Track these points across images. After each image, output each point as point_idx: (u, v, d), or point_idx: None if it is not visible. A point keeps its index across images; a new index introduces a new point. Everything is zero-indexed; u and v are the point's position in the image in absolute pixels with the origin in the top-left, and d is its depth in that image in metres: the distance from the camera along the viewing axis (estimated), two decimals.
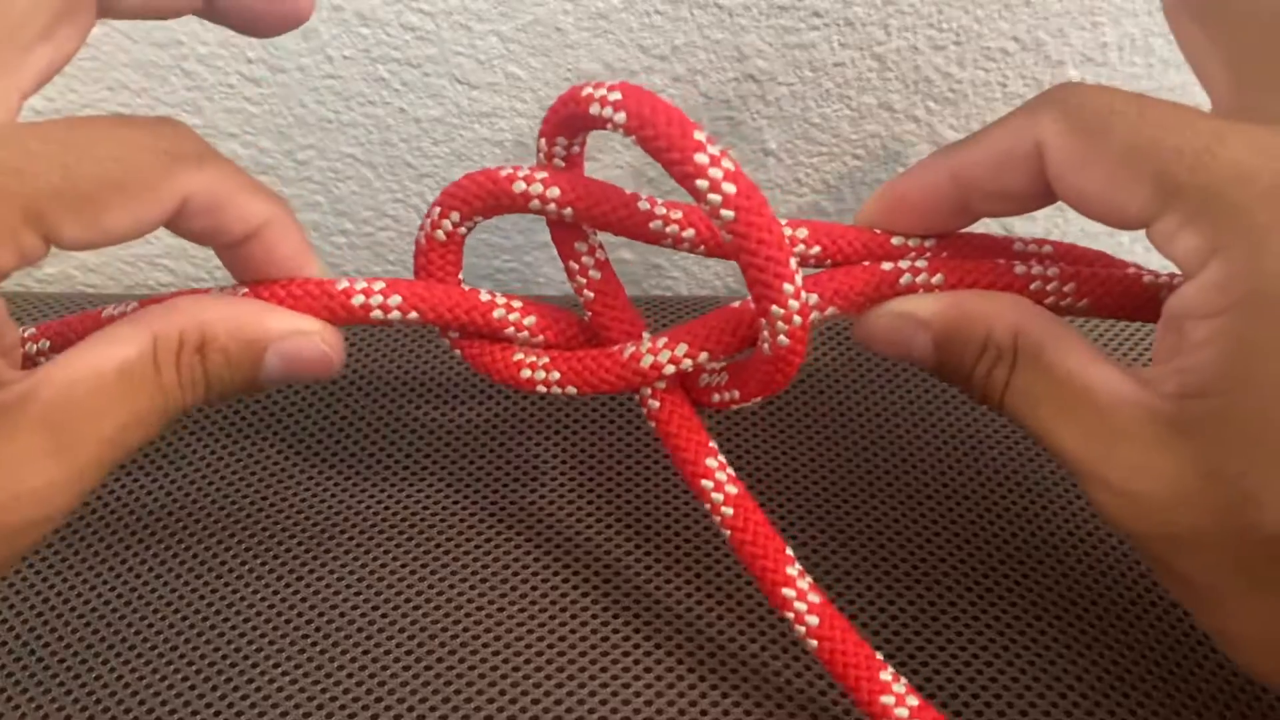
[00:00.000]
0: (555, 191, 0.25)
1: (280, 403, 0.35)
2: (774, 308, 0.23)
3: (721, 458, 0.26)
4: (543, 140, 0.26)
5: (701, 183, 0.22)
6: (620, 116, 0.23)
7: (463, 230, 0.26)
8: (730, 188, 0.22)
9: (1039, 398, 0.23)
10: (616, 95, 0.23)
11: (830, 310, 0.25)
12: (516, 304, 0.27)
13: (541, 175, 0.25)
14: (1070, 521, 0.31)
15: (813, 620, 0.25)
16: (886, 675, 0.25)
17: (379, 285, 0.26)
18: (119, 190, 0.22)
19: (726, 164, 0.22)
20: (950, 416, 0.34)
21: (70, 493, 0.22)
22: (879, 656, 0.25)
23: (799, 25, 0.38)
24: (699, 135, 0.22)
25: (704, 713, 0.26)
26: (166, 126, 0.24)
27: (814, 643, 0.25)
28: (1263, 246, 0.20)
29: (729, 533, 0.26)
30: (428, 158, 0.42)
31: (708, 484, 0.26)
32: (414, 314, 0.26)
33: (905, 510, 0.31)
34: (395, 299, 0.26)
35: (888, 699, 0.24)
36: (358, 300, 0.26)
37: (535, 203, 0.25)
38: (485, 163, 0.42)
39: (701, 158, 0.22)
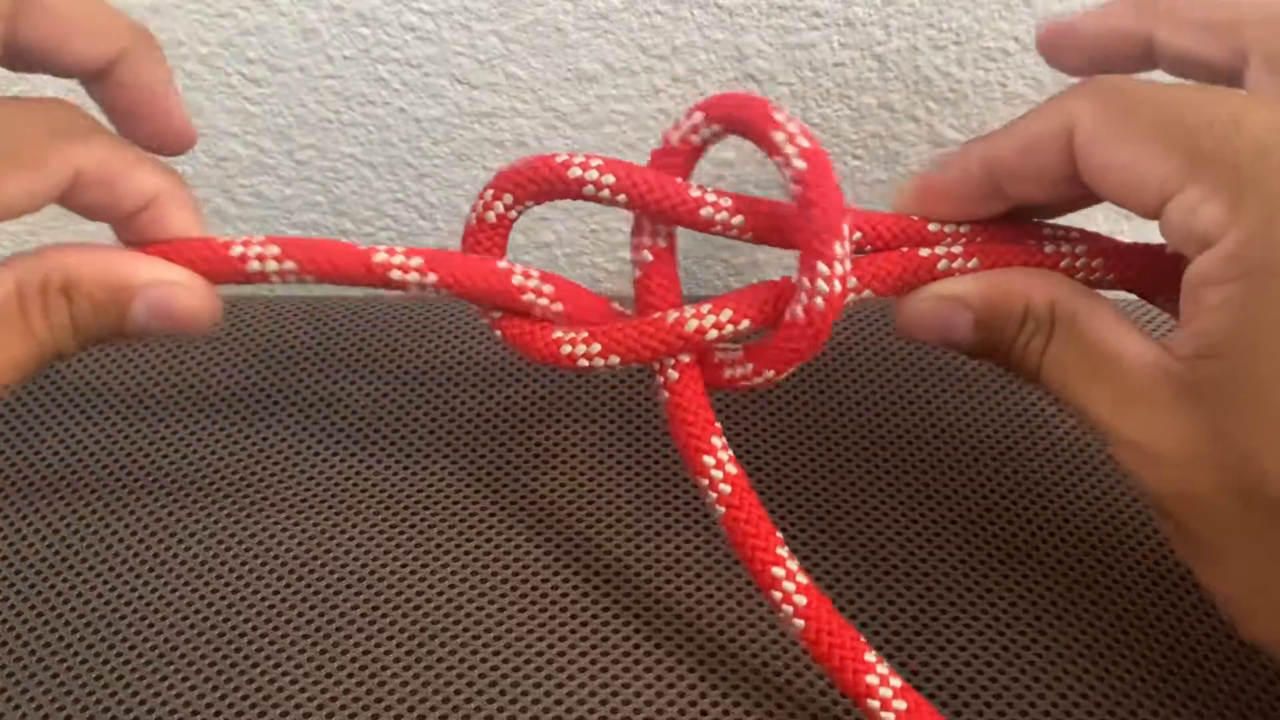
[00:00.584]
0: (610, 179, 0.26)
1: (282, 389, 0.35)
2: (820, 264, 0.24)
3: (724, 439, 0.27)
4: (490, 193, 0.26)
5: (778, 135, 0.24)
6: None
7: (513, 214, 0.27)
8: (804, 142, 0.24)
9: (1071, 364, 0.24)
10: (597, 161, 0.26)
11: (866, 292, 0.26)
12: (547, 287, 0.27)
13: (596, 163, 0.26)
14: (1070, 521, 0.31)
15: (800, 600, 0.25)
16: (871, 657, 0.25)
17: (399, 251, 0.26)
18: (8, 161, 0.23)
19: (798, 126, 0.24)
20: (950, 416, 0.34)
21: None
22: (863, 639, 0.25)
23: (799, 25, 0.38)
24: (772, 108, 0.25)
25: (704, 713, 0.26)
26: (56, 105, 0.25)
27: (801, 623, 0.25)
28: (1275, 217, 0.21)
29: (723, 510, 0.26)
30: (428, 158, 0.42)
31: (709, 460, 0.26)
32: (432, 276, 0.26)
33: (906, 510, 0.31)
34: (416, 260, 0.26)
35: (872, 679, 0.24)
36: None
37: (590, 188, 0.26)
38: (485, 163, 0.42)
39: (779, 116, 0.24)
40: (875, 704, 0.24)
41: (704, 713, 0.26)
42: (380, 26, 0.38)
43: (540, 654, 0.28)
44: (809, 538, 0.31)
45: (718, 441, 0.26)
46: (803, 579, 0.25)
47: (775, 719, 0.26)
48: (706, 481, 0.26)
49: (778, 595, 0.25)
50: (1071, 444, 0.33)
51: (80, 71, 0.26)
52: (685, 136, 0.26)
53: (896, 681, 0.25)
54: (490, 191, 0.26)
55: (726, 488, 0.26)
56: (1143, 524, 0.31)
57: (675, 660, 0.28)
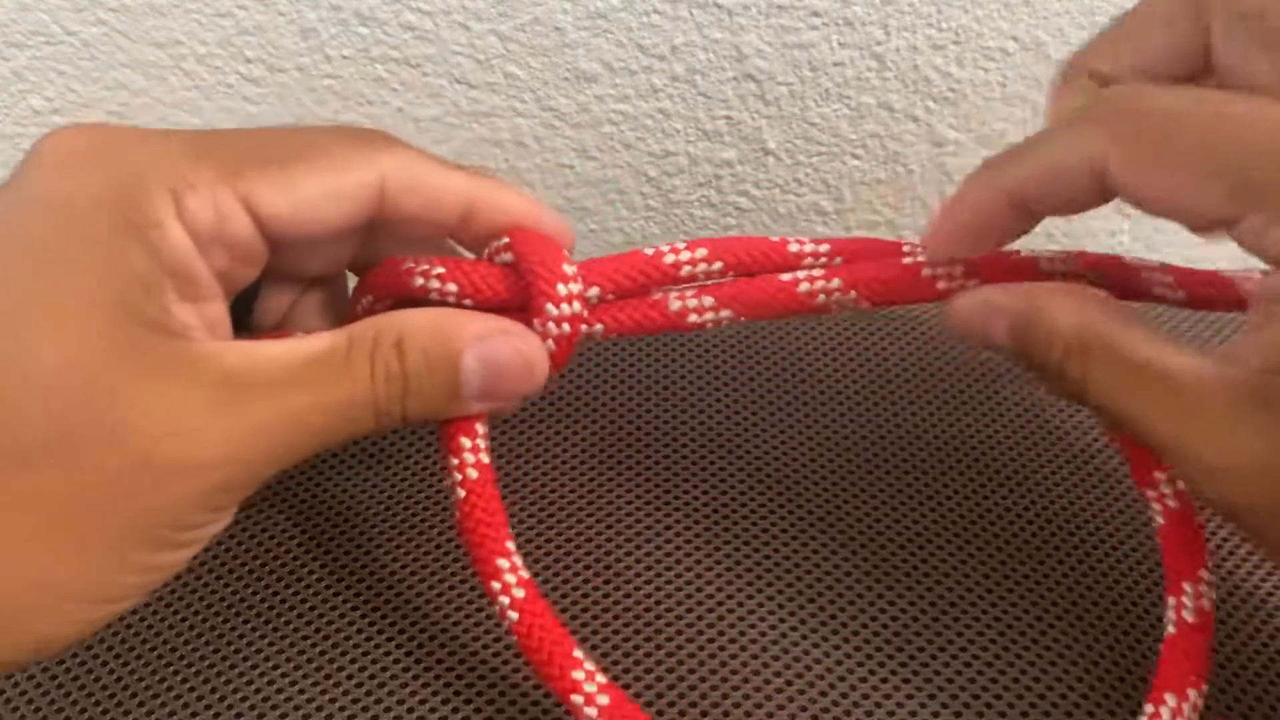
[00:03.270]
0: (453, 286, 0.26)
1: None
2: (549, 306, 0.25)
3: (516, 544, 0.26)
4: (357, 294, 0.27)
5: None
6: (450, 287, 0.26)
7: (379, 308, 0.27)
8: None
9: (1121, 388, 0.23)
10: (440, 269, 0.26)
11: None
12: (438, 269, 0.26)
13: (438, 270, 0.26)
14: (1071, 522, 0.31)
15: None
16: (579, 653, 0.25)
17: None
18: (310, 159, 0.24)
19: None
20: (951, 417, 0.34)
21: (227, 449, 0.21)
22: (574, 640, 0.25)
23: (798, 25, 0.38)
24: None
25: (704, 714, 0.26)
26: (357, 127, 0.25)
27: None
28: None
29: (516, 616, 0.25)
30: None
31: (503, 563, 0.25)
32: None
33: (905, 511, 0.31)
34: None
35: (578, 674, 0.24)
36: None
37: (434, 295, 0.26)
38: (484, 162, 0.42)
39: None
40: (579, 699, 0.24)
41: (704, 713, 0.26)
42: (379, 26, 0.38)
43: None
44: (809, 538, 0.31)
45: (511, 546, 0.26)
46: (602, 679, 0.25)
47: (776, 719, 0.26)
48: (499, 586, 0.25)
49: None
50: (1075, 442, 0.33)
51: (442, 227, 0.26)
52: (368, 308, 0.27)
53: (602, 678, 0.24)
54: (356, 293, 0.28)
55: (520, 592, 0.25)
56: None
57: (676, 661, 0.28)
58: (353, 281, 0.29)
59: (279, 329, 0.28)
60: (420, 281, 0.26)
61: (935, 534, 0.31)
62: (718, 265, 0.26)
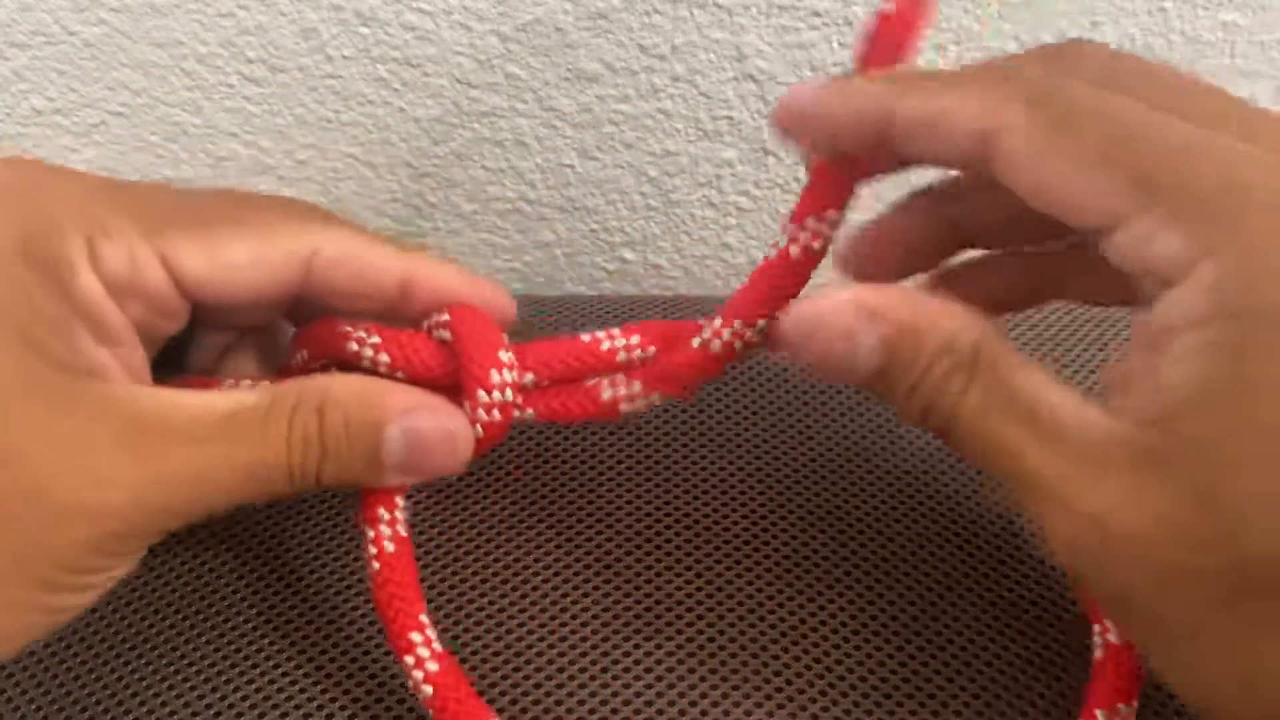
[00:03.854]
0: (385, 358, 0.26)
1: None
2: (481, 392, 0.25)
3: (431, 617, 0.26)
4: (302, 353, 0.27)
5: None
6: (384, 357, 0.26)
7: (315, 366, 0.27)
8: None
9: (999, 416, 0.21)
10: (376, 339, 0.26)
11: (529, 413, 0.27)
12: (374, 338, 0.26)
13: (374, 339, 0.26)
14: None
15: None
16: None
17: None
18: (237, 224, 0.23)
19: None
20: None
21: (130, 495, 0.21)
22: None
23: (799, 25, 0.38)
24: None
25: (704, 713, 0.26)
26: (295, 200, 0.25)
27: None
28: (1262, 252, 0.18)
29: (430, 690, 0.25)
30: (427, 158, 0.42)
31: (416, 637, 0.25)
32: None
33: (906, 510, 0.31)
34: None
35: None
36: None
37: (367, 363, 0.26)
38: (485, 163, 0.42)
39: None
40: None
41: (704, 713, 0.26)
42: (380, 26, 0.38)
43: (540, 654, 0.28)
44: (801, 544, 0.31)
45: (425, 619, 0.26)
46: None
47: (775, 719, 0.26)
48: (412, 660, 0.25)
49: None
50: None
51: (375, 304, 0.26)
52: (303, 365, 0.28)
53: None
54: (293, 345, 0.28)
55: (434, 665, 0.25)
56: None
57: (675, 661, 0.28)
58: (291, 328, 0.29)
59: (211, 373, 0.28)
60: (354, 348, 0.26)
61: (935, 535, 0.31)
62: (652, 350, 0.27)
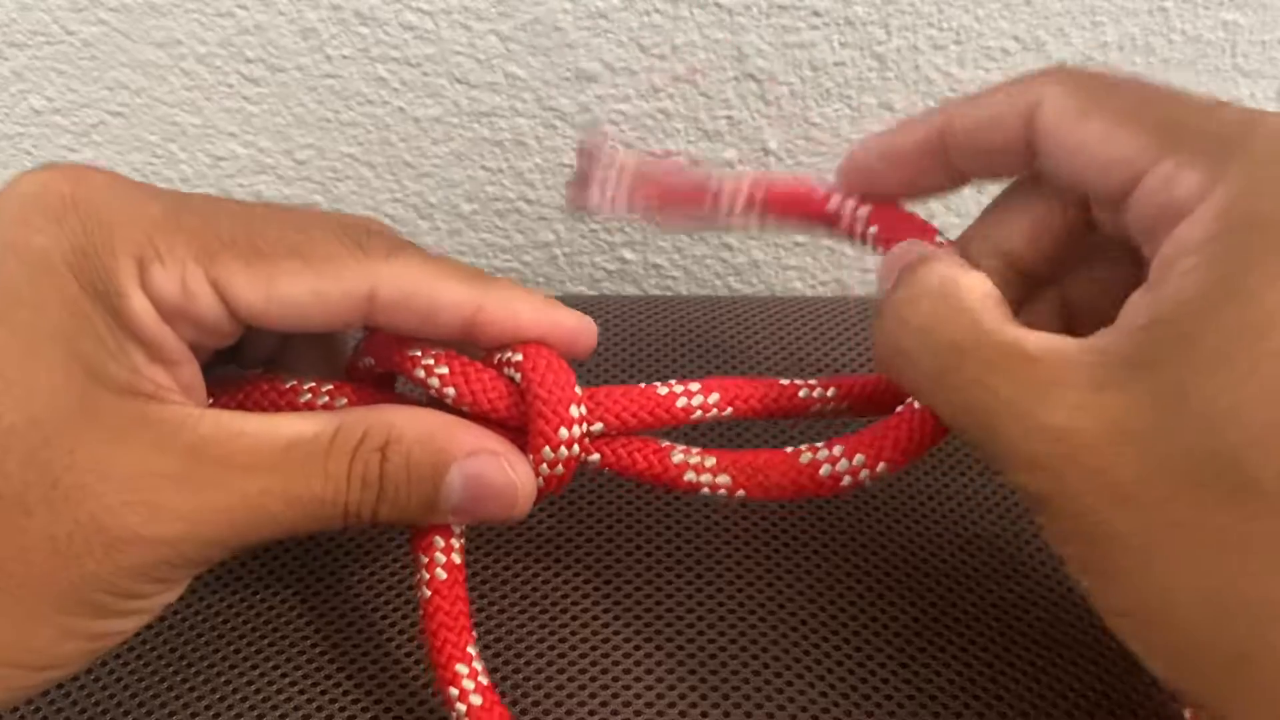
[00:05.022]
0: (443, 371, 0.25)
1: None
2: (547, 449, 0.24)
3: (478, 649, 0.25)
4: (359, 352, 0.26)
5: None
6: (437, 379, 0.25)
7: (379, 370, 0.27)
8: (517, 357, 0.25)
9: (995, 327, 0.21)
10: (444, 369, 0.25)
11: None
12: (441, 368, 0.25)
13: (442, 371, 0.25)
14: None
15: None
16: None
17: (326, 386, 0.26)
18: (296, 255, 0.22)
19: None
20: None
21: (185, 526, 0.21)
22: None
23: (799, 25, 0.38)
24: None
25: (704, 714, 0.26)
26: (359, 221, 0.24)
27: None
28: (1267, 171, 0.19)
29: None
30: (427, 157, 0.42)
31: (462, 669, 0.25)
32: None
33: (907, 509, 0.31)
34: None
35: None
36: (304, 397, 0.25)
37: (430, 382, 0.25)
38: (484, 162, 0.42)
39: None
40: None
41: (704, 714, 0.26)
42: (379, 26, 0.38)
43: (540, 655, 0.28)
44: (802, 544, 0.31)
45: (473, 650, 0.25)
46: None
47: (777, 718, 0.26)
48: (456, 692, 0.24)
49: None
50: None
51: (442, 339, 0.25)
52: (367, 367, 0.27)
53: None
54: (359, 350, 0.27)
55: (477, 699, 0.24)
56: None
57: (676, 662, 0.28)
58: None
59: (270, 363, 0.27)
60: (420, 374, 0.25)
61: (934, 536, 0.31)
62: (728, 411, 0.26)
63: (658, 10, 0.38)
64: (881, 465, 0.25)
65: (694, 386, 0.26)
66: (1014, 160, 0.24)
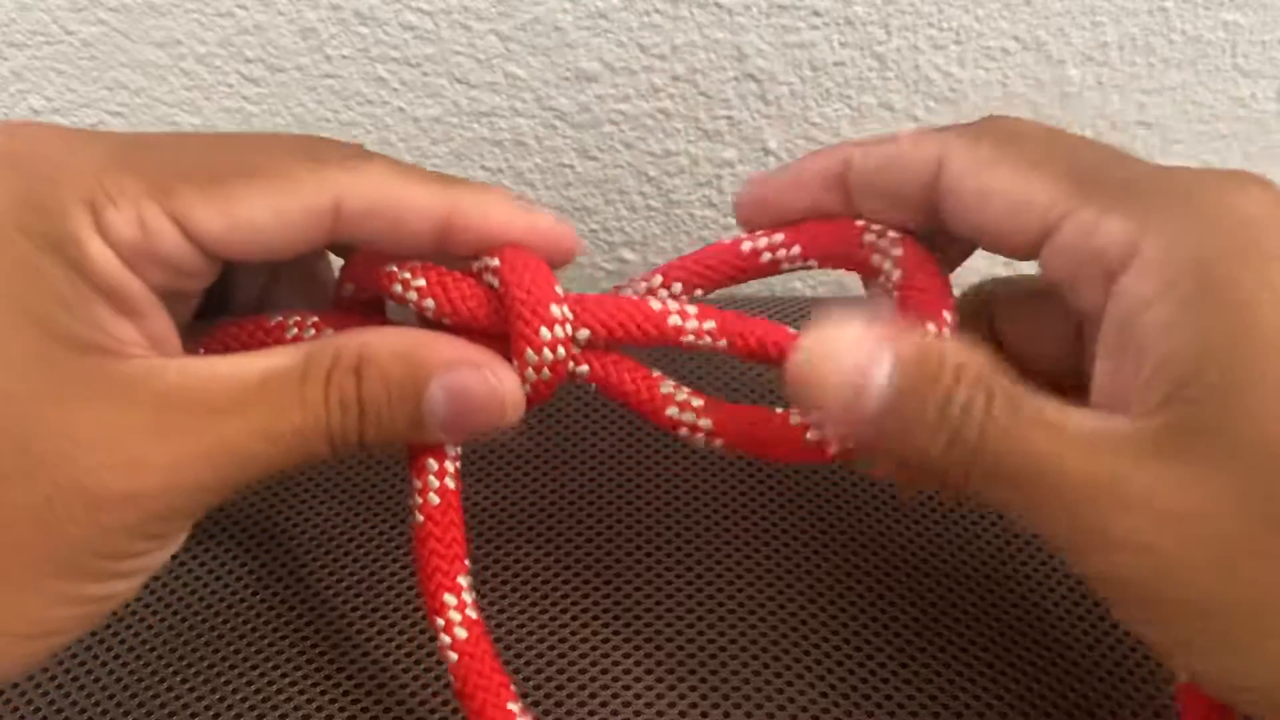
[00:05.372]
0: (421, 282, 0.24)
1: None
2: (529, 351, 0.23)
3: (470, 579, 0.24)
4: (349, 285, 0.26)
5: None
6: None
7: (363, 297, 0.26)
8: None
9: (1027, 426, 0.20)
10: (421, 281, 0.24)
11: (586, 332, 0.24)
12: (419, 280, 0.24)
13: (419, 283, 0.24)
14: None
15: None
16: None
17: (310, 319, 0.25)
18: (253, 175, 0.21)
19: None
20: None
21: (165, 476, 0.20)
22: None
23: (799, 24, 0.38)
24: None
25: (704, 715, 0.26)
26: (317, 137, 0.23)
27: None
28: (1196, 220, 0.20)
29: (455, 657, 0.24)
30: (426, 157, 0.42)
31: (450, 600, 0.24)
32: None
33: (908, 510, 0.31)
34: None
35: None
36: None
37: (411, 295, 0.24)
38: (484, 162, 0.42)
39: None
40: None
41: (704, 715, 0.26)
42: (379, 25, 0.38)
43: (540, 655, 0.28)
44: (802, 545, 0.31)
45: (464, 581, 0.24)
46: None
47: (777, 719, 0.26)
48: (442, 623, 0.24)
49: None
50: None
51: (415, 249, 0.24)
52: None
53: None
54: (341, 278, 0.26)
55: (463, 633, 0.24)
56: None
57: (676, 662, 0.28)
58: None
59: (258, 309, 0.26)
60: (399, 290, 0.24)
61: (935, 535, 0.31)
62: (723, 343, 0.24)
63: (657, 10, 0.38)
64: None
65: (690, 308, 0.24)
66: (914, 208, 0.23)
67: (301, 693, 0.27)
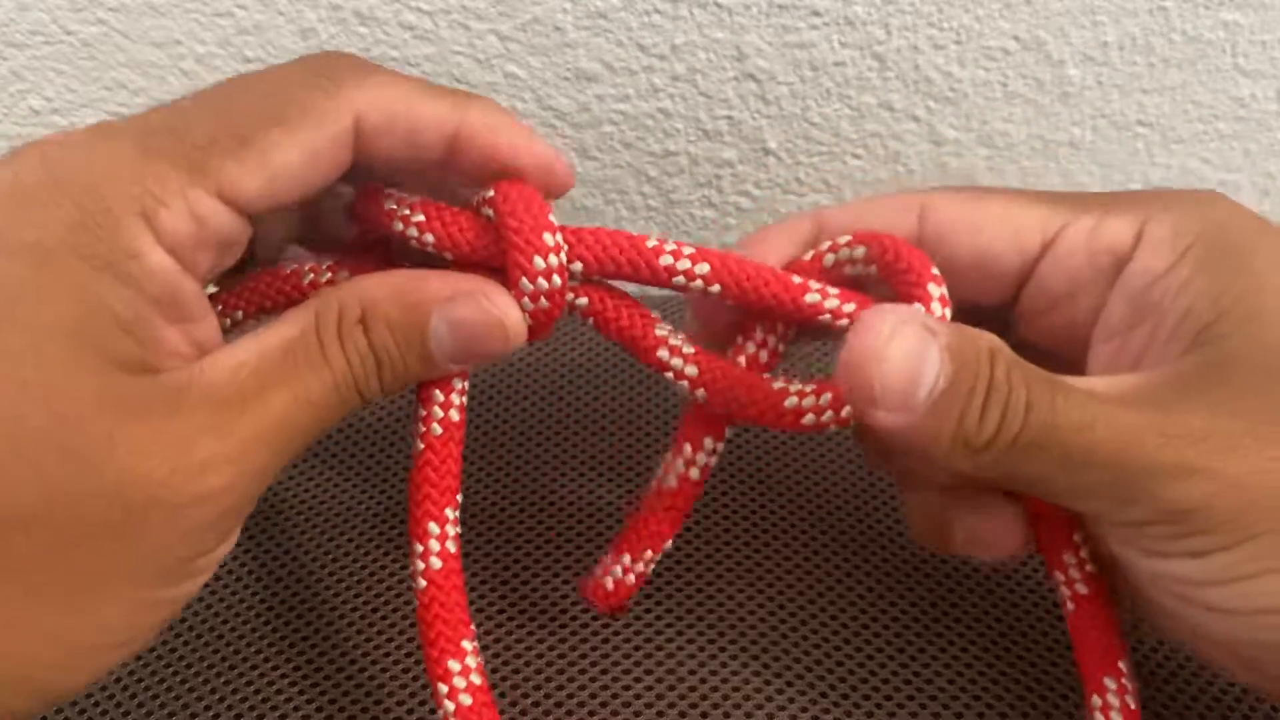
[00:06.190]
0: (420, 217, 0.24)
1: None
2: (524, 280, 0.23)
3: (450, 527, 0.24)
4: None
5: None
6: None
7: (371, 239, 0.26)
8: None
9: (1066, 396, 0.20)
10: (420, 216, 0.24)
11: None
12: (418, 215, 0.24)
13: (418, 218, 0.24)
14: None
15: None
16: None
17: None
18: (277, 122, 0.21)
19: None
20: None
21: (233, 469, 0.21)
22: None
23: (799, 24, 0.38)
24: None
25: (704, 715, 0.26)
26: (320, 56, 0.23)
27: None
28: (1191, 211, 0.23)
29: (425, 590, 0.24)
30: None
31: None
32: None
33: (902, 513, 0.31)
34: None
35: None
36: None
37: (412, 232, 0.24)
38: None
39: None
40: None
41: (704, 715, 0.26)
42: (378, 25, 0.38)
43: (540, 655, 0.28)
44: (803, 545, 0.31)
45: (450, 514, 0.24)
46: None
47: (777, 719, 0.26)
48: (420, 549, 0.24)
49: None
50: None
51: (426, 164, 0.24)
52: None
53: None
54: (347, 222, 0.26)
55: (437, 563, 0.24)
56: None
57: (676, 662, 0.28)
58: None
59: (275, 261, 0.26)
60: (400, 227, 0.24)
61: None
62: (715, 288, 0.24)
63: (657, 10, 0.38)
64: (847, 410, 0.23)
65: (686, 248, 0.24)
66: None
67: (301, 693, 0.27)
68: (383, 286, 0.23)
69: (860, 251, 0.24)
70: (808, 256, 0.25)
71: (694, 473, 0.25)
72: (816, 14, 0.38)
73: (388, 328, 0.23)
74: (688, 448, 0.25)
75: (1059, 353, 0.25)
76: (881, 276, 0.24)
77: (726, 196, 0.43)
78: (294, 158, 0.22)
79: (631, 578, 0.26)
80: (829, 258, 0.25)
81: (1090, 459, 0.20)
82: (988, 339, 0.21)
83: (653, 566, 0.26)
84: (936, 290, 0.23)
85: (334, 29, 0.38)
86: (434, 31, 0.38)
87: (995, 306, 0.25)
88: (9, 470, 0.19)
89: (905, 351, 0.20)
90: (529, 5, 0.37)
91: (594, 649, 0.28)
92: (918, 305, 0.23)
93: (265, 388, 0.21)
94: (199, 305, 0.22)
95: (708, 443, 0.25)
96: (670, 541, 0.26)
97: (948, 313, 0.23)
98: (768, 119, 0.40)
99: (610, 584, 0.26)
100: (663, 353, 0.25)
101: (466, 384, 0.25)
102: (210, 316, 0.23)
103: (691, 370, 0.25)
